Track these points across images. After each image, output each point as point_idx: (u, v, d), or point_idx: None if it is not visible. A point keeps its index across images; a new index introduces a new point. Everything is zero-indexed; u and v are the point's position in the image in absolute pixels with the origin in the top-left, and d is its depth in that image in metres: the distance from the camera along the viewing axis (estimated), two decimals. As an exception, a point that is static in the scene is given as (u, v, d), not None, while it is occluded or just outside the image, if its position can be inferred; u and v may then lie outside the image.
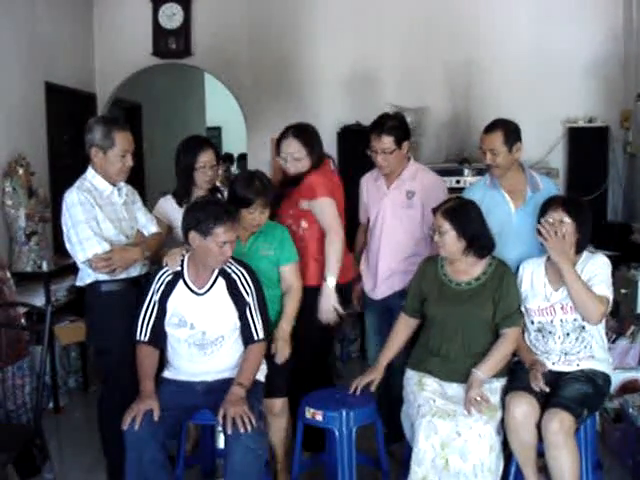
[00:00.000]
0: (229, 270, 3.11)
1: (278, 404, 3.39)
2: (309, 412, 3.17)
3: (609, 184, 6.22)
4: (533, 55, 6.28)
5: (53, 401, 4.60)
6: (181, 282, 3.10)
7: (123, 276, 3.24)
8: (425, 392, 3.03)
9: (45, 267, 4.69)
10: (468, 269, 3.18)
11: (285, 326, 3.36)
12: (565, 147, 6.36)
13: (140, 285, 3.30)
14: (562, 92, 6.26)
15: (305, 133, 3.58)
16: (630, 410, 3.66)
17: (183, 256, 3.16)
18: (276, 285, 3.43)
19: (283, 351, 3.32)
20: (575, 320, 3.07)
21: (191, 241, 3.02)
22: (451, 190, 5.38)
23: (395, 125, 3.58)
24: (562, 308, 3.08)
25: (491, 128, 3.40)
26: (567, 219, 3.03)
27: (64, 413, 4.62)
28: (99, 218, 3.19)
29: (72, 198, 3.18)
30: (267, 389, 3.27)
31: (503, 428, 2.93)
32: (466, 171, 6.15)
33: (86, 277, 3.27)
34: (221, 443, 3.69)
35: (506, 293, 3.12)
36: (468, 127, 6.33)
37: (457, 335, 3.13)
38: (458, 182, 6.00)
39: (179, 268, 3.13)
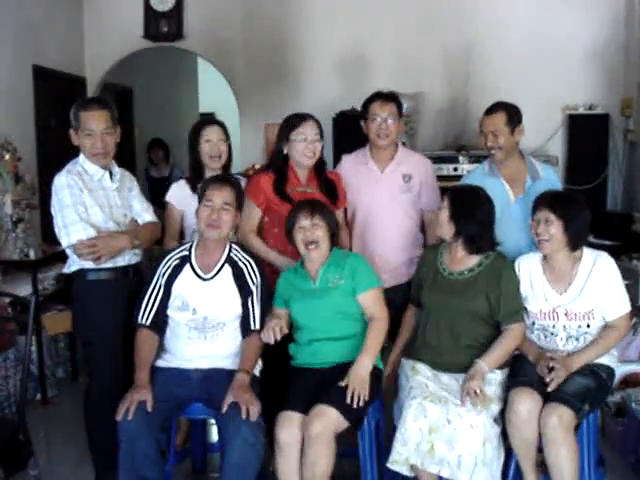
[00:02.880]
0: (236, 258, 3.09)
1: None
2: None
3: (609, 173, 6.19)
4: (533, 41, 6.23)
5: (41, 392, 4.50)
6: (188, 266, 3.07)
7: (110, 265, 3.12)
8: (419, 376, 2.95)
9: (32, 255, 4.60)
10: (464, 259, 3.08)
11: (362, 361, 2.89)
12: (565, 135, 6.31)
13: (129, 275, 3.20)
14: (562, 79, 6.21)
15: None
16: (633, 404, 3.58)
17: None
18: (357, 319, 3.06)
19: (360, 393, 2.81)
20: (579, 327, 2.98)
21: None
22: (448, 178, 5.34)
23: (397, 96, 3.58)
24: (566, 314, 2.98)
25: (493, 109, 3.37)
26: (553, 217, 2.91)
27: (52, 404, 4.51)
28: (87, 203, 3.08)
29: (61, 181, 3.09)
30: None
31: (502, 420, 2.84)
32: (463, 158, 6.08)
33: (72, 264, 3.16)
34: (214, 437, 3.61)
35: (506, 289, 3.00)
36: (466, 113, 6.26)
37: (447, 327, 3.04)
38: (455, 170, 5.95)
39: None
